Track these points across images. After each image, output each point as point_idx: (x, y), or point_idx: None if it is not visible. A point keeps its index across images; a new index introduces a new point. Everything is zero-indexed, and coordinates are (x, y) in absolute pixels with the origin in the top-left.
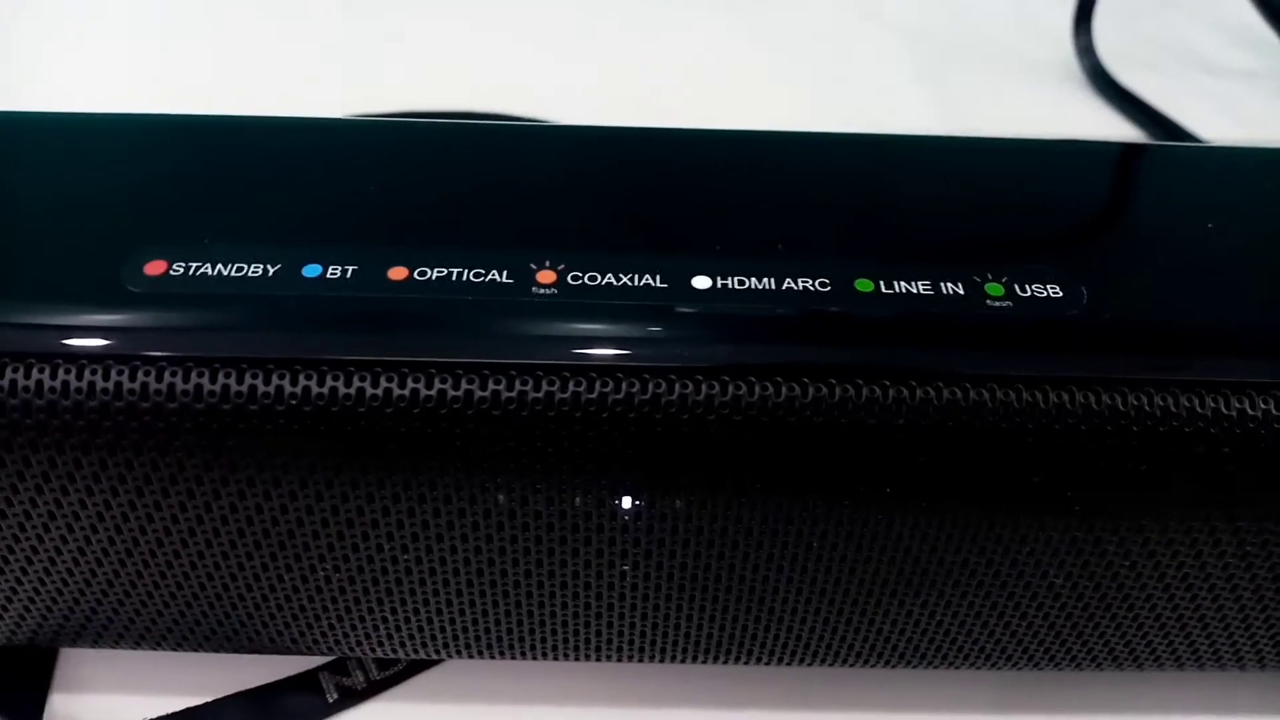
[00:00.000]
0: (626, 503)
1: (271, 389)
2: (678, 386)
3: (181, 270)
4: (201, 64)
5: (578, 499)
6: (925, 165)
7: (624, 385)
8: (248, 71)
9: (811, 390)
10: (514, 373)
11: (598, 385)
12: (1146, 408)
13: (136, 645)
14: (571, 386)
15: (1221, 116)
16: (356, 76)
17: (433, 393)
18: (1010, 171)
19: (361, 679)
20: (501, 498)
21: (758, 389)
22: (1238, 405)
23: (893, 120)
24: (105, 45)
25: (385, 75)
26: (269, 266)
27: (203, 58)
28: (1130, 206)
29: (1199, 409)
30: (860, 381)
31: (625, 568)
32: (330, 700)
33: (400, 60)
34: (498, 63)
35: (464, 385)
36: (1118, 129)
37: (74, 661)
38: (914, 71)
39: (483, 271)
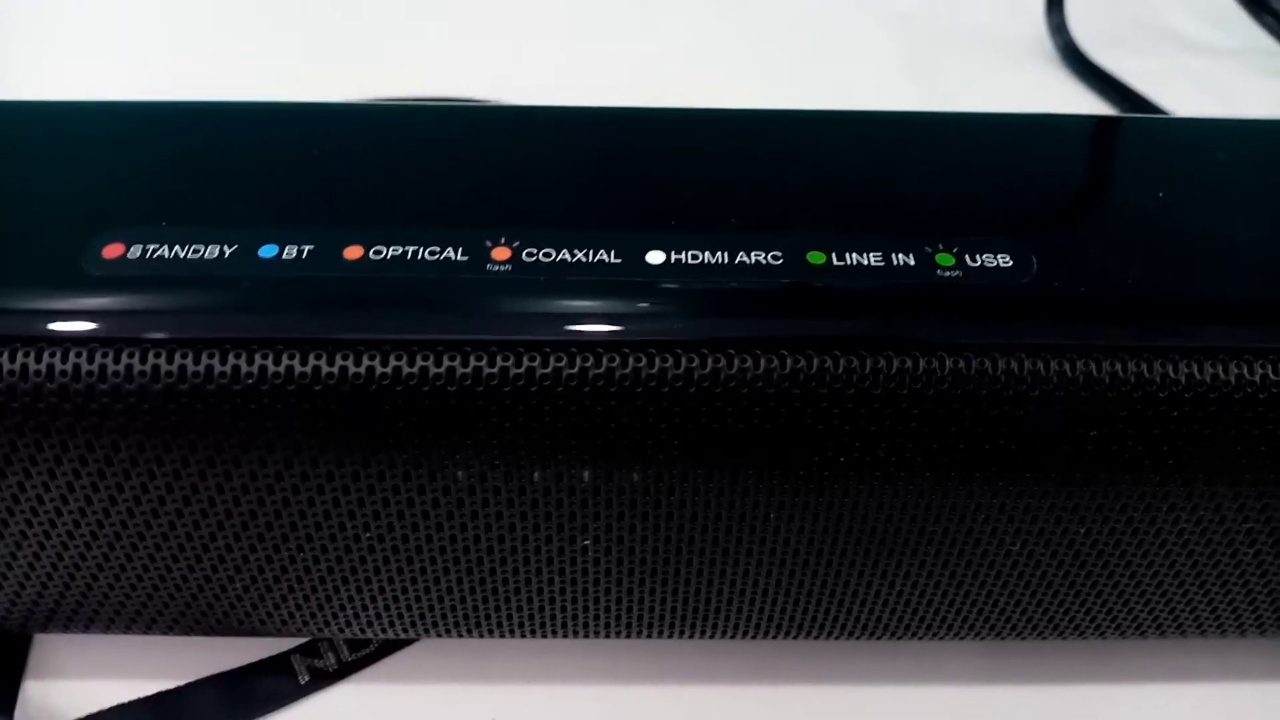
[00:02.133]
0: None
1: (227, 369)
2: (632, 360)
3: (139, 253)
4: (161, 53)
5: (535, 474)
6: (882, 139)
7: (578, 360)
8: (207, 60)
9: (764, 362)
10: (469, 349)
11: (552, 360)
12: (1095, 374)
13: (107, 629)
14: (526, 362)
15: (1195, 94)
16: (321, 63)
17: (388, 370)
18: (966, 144)
19: (333, 660)
20: (460, 474)
21: (711, 362)
22: (1185, 370)
23: (863, 98)
24: (70, 35)
25: (346, 62)
26: (225, 248)
27: (162, 47)
28: (1084, 177)
29: (1146, 374)
30: (811, 353)
31: (586, 543)
32: (302, 682)
33: (359, 47)
34: (463, 48)
35: (419, 362)
36: (1090, 108)
37: (48, 649)
38: (885, 49)
39: (438, 249)
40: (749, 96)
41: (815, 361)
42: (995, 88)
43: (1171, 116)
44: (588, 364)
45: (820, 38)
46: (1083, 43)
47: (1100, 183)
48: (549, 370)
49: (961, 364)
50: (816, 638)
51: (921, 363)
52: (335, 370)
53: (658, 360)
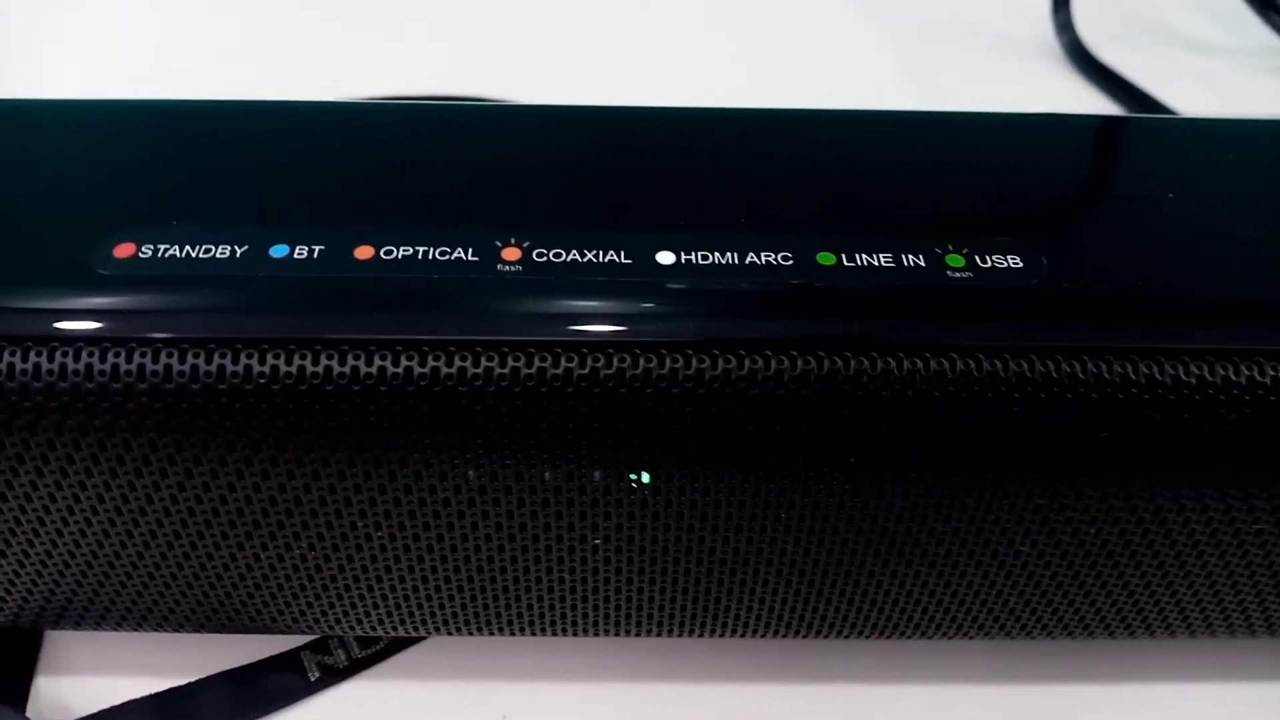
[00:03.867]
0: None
1: (240, 369)
2: (642, 361)
3: (150, 252)
4: (173, 52)
5: (546, 474)
6: (891, 139)
7: (589, 360)
8: (217, 59)
9: (774, 363)
10: (479, 349)
11: (563, 361)
12: (1106, 375)
13: (119, 626)
14: (537, 362)
15: (1200, 93)
16: (330, 62)
17: (399, 370)
18: (976, 145)
19: (343, 657)
20: (471, 474)
21: (721, 363)
22: (1195, 371)
23: (869, 98)
24: (77, 34)
25: (356, 62)
26: (236, 248)
27: (169, 45)
28: (1094, 177)
29: (1157, 376)
30: (822, 354)
31: (597, 542)
32: (312, 679)
33: (368, 47)
34: (470, 46)
35: (430, 362)
36: (1096, 106)
37: (59, 645)
38: (891, 48)
39: (448, 249)
40: (754, 98)
41: (825, 363)
42: (1001, 87)
43: (1180, 116)
44: (599, 364)
45: (825, 39)
46: (1089, 41)
47: (1110, 183)
48: (560, 370)
49: (972, 365)
50: (825, 637)
51: (932, 364)
52: (347, 370)
53: (668, 361)
